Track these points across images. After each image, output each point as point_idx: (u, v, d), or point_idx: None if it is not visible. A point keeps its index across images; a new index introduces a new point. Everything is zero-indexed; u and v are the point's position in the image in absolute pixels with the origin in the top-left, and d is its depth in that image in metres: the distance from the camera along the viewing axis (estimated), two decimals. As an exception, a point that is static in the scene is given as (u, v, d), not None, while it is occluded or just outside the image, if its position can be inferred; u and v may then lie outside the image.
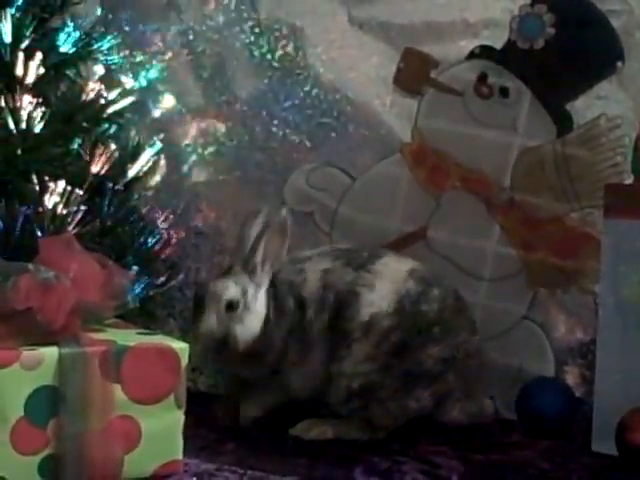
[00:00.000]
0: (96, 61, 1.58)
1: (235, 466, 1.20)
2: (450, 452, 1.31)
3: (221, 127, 1.71)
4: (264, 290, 1.39)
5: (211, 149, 1.71)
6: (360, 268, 1.39)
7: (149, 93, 1.70)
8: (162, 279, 1.58)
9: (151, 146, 1.63)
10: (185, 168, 1.71)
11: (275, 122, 1.68)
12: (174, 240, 1.64)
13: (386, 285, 1.38)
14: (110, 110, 1.56)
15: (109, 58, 1.61)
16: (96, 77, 1.56)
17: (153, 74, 1.70)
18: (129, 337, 1.17)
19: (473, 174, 1.58)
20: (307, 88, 1.67)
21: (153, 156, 1.62)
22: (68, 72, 1.53)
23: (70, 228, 1.39)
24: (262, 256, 1.38)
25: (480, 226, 1.57)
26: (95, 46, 1.56)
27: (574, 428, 1.42)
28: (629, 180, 1.46)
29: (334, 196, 1.64)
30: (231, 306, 1.36)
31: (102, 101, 1.53)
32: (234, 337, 1.34)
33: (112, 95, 1.57)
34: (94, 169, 1.49)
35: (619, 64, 1.53)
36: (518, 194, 1.56)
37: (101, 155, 1.50)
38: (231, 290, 1.37)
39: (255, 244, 1.39)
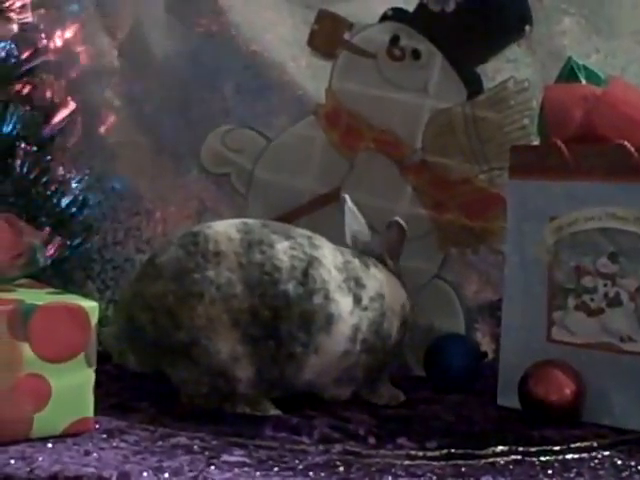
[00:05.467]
0: (9, 20, 1.56)
1: (146, 424, 1.22)
2: (360, 407, 1.34)
3: (138, 89, 1.70)
4: None
5: (127, 111, 1.70)
6: None
7: (64, 53, 1.68)
8: (78, 240, 1.58)
9: (66, 107, 1.62)
10: (102, 130, 1.70)
11: (191, 84, 1.68)
12: (91, 202, 1.63)
13: None
14: (22, 70, 1.54)
15: (22, 17, 1.59)
16: (9, 36, 1.55)
17: (68, 34, 1.68)
18: (39, 296, 1.17)
19: (385, 136, 1.60)
20: (223, 50, 1.67)
21: (68, 117, 1.62)
22: (-22, 30, 1.51)
23: (-19, 189, 1.38)
24: None
25: (392, 187, 1.59)
26: (7, 4, 1.54)
27: (481, 383, 1.46)
28: (536, 142, 1.49)
29: (250, 158, 1.64)
30: None
31: (14, 60, 1.52)
32: None
33: (25, 55, 1.55)
34: (6, 129, 1.47)
35: (527, 28, 1.56)
36: (429, 155, 1.59)
37: (13, 115, 1.49)
38: None
39: None
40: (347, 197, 1.43)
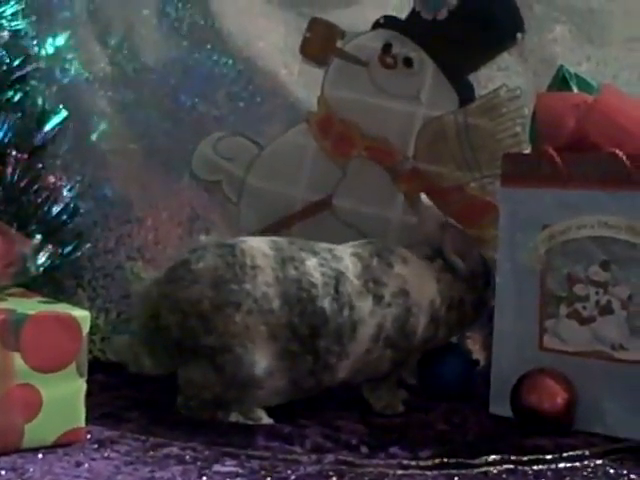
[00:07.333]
0: (0, 27, 1.56)
1: (138, 434, 1.21)
2: (353, 416, 1.34)
3: (129, 96, 1.70)
4: None
5: (119, 118, 1.70)
6: None
7: (56, 60, 1.68)
8: (69, 248, 1.57)
9: (57, 114, 1.62)
10: (93, 137, 1.69)
11: (183, 91, 1.68)
12: (82, 210, 1.63)
13: None
14: (14, 77, 1.54)
15: (13, 24, 1.58)
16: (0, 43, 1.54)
17: (60, 41, 1.68)
18: (30, 305, 1.17)
19: (378, 143, 1.60)
20: (215, 57, 1.66)
21: (59, 124, 1.61)
22: (-31, 38, 1.50)
23: (-29, 196, 1.38)
24: None
25: (384, 195, 1.59)
26: (-2, 11, 1.53)
27: (474, 392, 1.46)
28: (527, 150, 1.49)
29: (242, 165, 1.64)
30: None
31: (5, 67, 1.52)
32: None
33: (16, 62, 1.55)
34: (-3, 136, 1.47)
35: (519, 36, 1.56)
36: (421, 163, 1.59)
37: (4, 122, 1.48)
38: None
39: None
40: (423, 195, 1.47)
